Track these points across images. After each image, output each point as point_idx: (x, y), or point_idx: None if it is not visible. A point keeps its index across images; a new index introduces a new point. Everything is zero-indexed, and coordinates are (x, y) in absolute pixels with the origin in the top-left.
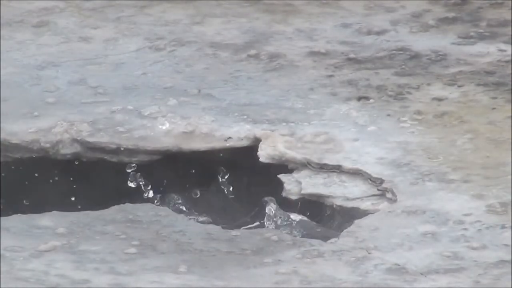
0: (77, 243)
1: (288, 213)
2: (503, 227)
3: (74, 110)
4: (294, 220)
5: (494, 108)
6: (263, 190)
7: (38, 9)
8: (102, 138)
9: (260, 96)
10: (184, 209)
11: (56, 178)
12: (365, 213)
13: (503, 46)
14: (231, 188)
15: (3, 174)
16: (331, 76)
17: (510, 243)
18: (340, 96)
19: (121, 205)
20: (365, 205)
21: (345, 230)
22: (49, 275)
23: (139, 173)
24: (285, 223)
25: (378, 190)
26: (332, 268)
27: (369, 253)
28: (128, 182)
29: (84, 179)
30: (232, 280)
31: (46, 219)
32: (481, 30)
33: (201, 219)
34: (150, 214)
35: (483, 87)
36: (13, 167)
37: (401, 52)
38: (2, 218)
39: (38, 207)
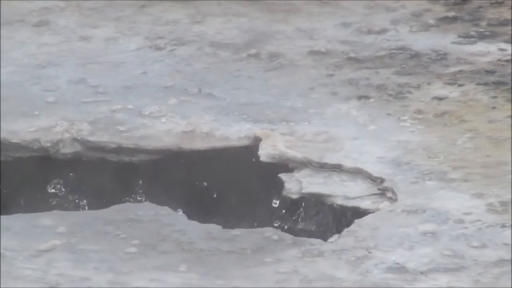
0: (77, 242)
1: None
2: (503, 226)
3: (75, 110)
4: None
5: (494, 107)
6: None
7: (39, 8)
8: (103, 138)
9: (261, 95)
10: None
11: (57, 177)
12: (365, 212)
13: (503, 45)
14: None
15: (3, 174)
16: (331, 75)
17: (510, 242)
18: (340, 95)
19: (122, 204)
20: (365, 204)
21: (345, 230)
22: (49, 274)
23: None
24: None
25: (379, 189)
26: (332, 267)
27: (369, 252)
28: None
29: (85, 178)
30: (232, 279)
31: (46, 219)
32: (482, 30)
33: None
34: (150, 213)
35: (483, 86)
36: (13, 167)
37: (401, 51)
38: (2, 217)
39: (39, 207)
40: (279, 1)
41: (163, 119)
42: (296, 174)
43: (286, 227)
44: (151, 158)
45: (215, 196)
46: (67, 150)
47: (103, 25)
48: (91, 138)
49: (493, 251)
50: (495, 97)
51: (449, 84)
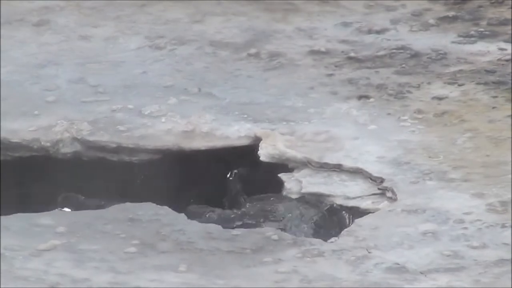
0: (77, 242)
1: None
2: (503, 226)
3: (74, 109)
4: None
5: (494, 107)
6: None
7: (39, 8)
8: (102, 137)
9: (260, 95)
10: None
11: (56, 177)
12: (365, 212)
13: (503, 45)
14: None
15: (3, 173)
16: (331, 75)
17: (510, 242)
18: (340, 95)
19: (121, 204)
20: (365, 204)
21: (345, 230)
22: (49, 274)
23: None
24: None
25: (379, 189)
26: (332, 267)
27: (369, 252)
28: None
29: (85, 178)
30: (232, 279)
31: (46, 218)
32: (482, 29)
33: None
34: (150, 213)
35: (483, 86)
36: (13, 166)
37: (401, 51)
38: (2, 217)
39: (38, 206)
40: (278, 1)
41: (163, 119)
42: (296, 174)
43: None
44: (151, 158)
45: None
46: (67, 149)
47: (103, 25)
48: (91, 138)
49: (493, 251)
50: (495, 96)
51: (449, 83)
